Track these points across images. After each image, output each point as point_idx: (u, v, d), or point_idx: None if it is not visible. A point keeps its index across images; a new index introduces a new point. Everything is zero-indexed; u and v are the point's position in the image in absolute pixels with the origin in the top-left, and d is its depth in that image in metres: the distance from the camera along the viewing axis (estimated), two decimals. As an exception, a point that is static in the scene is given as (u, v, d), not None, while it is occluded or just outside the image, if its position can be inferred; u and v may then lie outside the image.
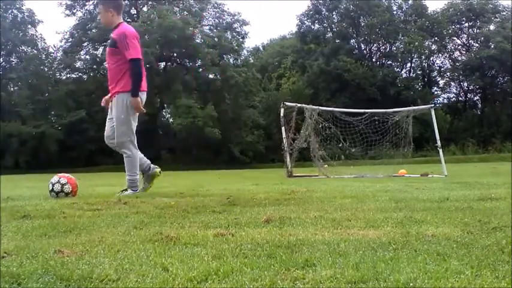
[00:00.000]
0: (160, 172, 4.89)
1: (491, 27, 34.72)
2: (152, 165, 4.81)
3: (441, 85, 38.56)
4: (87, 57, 36.19)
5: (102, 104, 4.73)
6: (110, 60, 4.51)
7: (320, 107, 12.16)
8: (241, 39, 36.11)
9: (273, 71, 40.06)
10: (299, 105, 11.64)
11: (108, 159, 31.55)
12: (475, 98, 38.67)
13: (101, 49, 36.25)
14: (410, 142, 11.31)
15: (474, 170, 11.87)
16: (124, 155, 4.51)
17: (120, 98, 4.41)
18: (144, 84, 4.55)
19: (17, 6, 33.44)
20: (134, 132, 4.58)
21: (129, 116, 4.47)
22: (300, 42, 38.12)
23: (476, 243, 1.81)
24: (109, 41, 4.55)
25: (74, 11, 34.74)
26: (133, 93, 4.37)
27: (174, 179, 10.05)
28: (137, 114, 4.56)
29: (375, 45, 38.54)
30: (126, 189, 4.53)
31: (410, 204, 3.25)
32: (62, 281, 1.34)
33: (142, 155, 4.78)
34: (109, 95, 4.60)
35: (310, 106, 11.67)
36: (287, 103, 11.73)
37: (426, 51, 35.87)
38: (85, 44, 35.77)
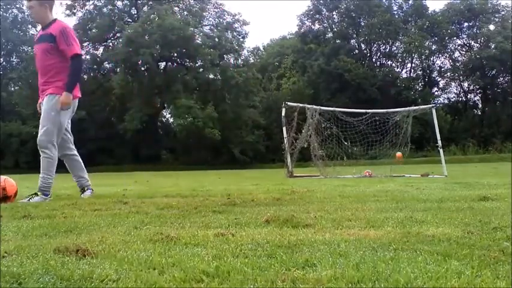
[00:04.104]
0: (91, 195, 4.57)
1: (491, 27, 34.73)
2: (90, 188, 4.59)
3: (441, 85, 38.65)
4: (87, 57, 36.23)
5: (39, 109, 4.38)
6: (43, 58, 4.20)
7: (322, 107, 12.16)
8: (241, 39, 36.13)
9: (273, 71, 40.07)
10: (301, 105, 11.64)
11: (108, 159, 31.64)
12: (476, 98, 38.75)
13: (101, 49, 36.31)
14: (408, 142, 11.32)
15: (474, 170, 11.86)
16: (42, 155, 4.17)
17: (55, 98, 4.14)
18: (77, 90, 4.30)
19: (17, 6, 33.48)
20: (60, 135, 4.25)
21: (59, 117, 4.17)
22: (300, 42, 38.13)
23: (476, 243, 1.81)
24: (41, 37, 4.24)
25: (74, 11, 34.81)
26: (69, 88, 4.10)
27: (175, 179, 10.05)
28: (67, 119, 4.28)
29: (375, 45, 38.56)
30: (35, 194, 4.11)
31: (411, 205, 3.25)
32: (62, 281, 1.34)
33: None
34: (40, 97, 4.33)
35: (312, 106, 11.68)
36: (289, 103, 11.73)
37: (426, 51, 35.89)
38: (85, 44, 35.81)
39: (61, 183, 8.49)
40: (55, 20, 4.25)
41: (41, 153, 4.19)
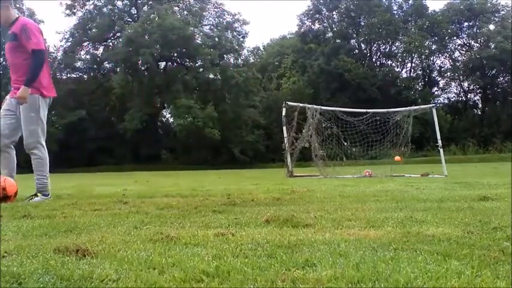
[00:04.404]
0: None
1: (491, 27, 34.73)
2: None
3: (441, 85, 38.63)
4: (87, 57, 36.22)
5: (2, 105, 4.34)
6: (11, 56, 4.23)
7: (322, 107, 12.17)
8: (241, 39, 36.13)
9: (273, 71, 40.05)
10: (301, 105, 11.64)
11: (108, 159, 31.66)
12: (476, 98, 38.72)
13: (101, 49, 36.32)
14: (408, 142, 11.33)
15: (474, 170, 11.86)
16: (32, 157, 4.17)
17: (31, 98, 4.10)
18: (51, 88, 4.33)
19: (17, 6, 33.45)
20: (45, 132, 4.26)
21: (40, 116, 4.17)
22: (300, 42, 38.12)
23: (476, 243, 1.81)
24: (8, 36, 4.24)
25: (74, 10, 34.79)
26: (28, 83, 4.05)
27: (175, 179, 10.05)
28: (45, 114, 4.26)
29: (375, 45, 38.54)
30: (35, 195, 4.13)
31: (411, 204, 3.25)
32: (62, 281, 1.34)
33: None
34: (11, 93, 4.30)
35: (313, 106, 11.68)
36: (289, 103, 11.72)
37: (426, 51, 35.87)
38: (85, 44, 35.82)
39: (61, 183, 8.49)
40: (18, 18, 4.26)
41: (30, 155, 4.19)
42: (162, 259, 1.57)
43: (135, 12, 35.59)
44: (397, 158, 11.17)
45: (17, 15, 4.29)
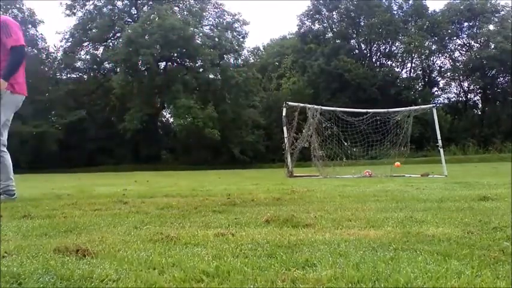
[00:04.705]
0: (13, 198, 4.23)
1: (491, 27, 34.73)
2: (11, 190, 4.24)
3: (441, 85, 38.63)
4: (87, 57, 36.22)
5: None
6: None
7: (322, 107, 12.17)
8: (241, 39, 36.11)
9: (273, 71, 40.04)
10: (302, 105, 11.64)
11: (108, 159, 31.66)
12: (476, 98, 38.72)
13: (101, 49, 36.32)
14: (408, 142, 11.33)
15: (474, 170, 11.86)
16: None
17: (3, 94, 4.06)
18: (24, 86, 4.28)
19: (18, 6, 33.48)
20: (6, 133, 4.22)
21: (5, 117, 4.13)
22: (300, 42, 38.11)
23: (476, 243, 1.81)
24: None
25: (74, 11, 34.79)
26: (5, 76, 4.01)
27: (175, 179, 10.05)
28: (9, 112, 4.21)
29: (375, 45, 38.55)
30: None
31: (411, 204, 3.25)
32: (62, 281, 1.34)
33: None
34: None
35: (313, 106, 11.68)
36: (289, 103, 11.72)
37: (426, 51, 35.87)
38: (85, 44, 35.81)
39: (61, 183, 8.49)
40: None
41: None
42: (162, 259, 1.57)
43: (135, 12, 35.58)
44: (397, 164, 11.29)
45: None
